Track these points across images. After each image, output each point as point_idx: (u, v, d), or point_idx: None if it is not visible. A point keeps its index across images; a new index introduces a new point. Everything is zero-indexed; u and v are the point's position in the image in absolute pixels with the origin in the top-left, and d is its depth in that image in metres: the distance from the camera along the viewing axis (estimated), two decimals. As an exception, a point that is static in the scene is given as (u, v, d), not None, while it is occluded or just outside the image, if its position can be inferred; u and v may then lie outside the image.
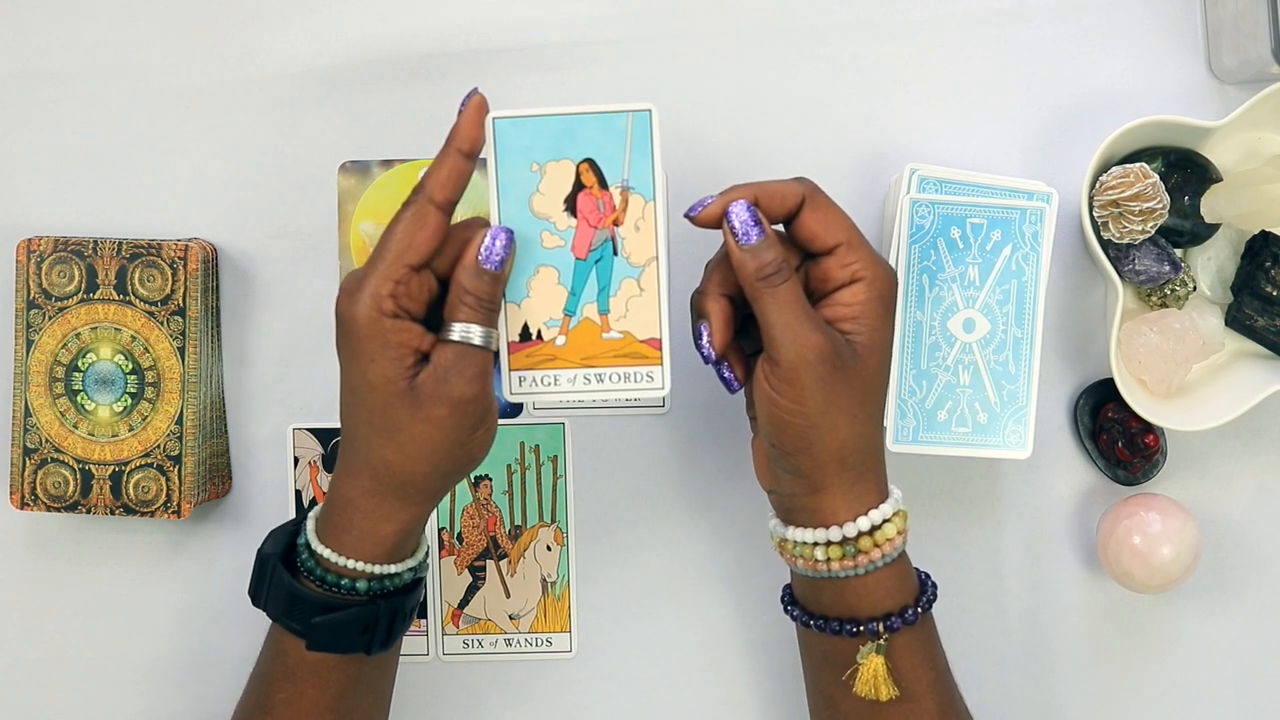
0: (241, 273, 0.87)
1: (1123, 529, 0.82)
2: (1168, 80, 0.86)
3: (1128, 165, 0.80)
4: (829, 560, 0.71)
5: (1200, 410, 0.82)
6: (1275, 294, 0.82)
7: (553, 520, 0.86)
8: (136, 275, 0.83)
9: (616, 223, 0.71)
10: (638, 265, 0.72)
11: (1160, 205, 0.80)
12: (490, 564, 0.87)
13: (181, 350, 0.83)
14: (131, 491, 0.83)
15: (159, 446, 0.83)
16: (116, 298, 0.83)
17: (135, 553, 0.87)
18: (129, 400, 0.83)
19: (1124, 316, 0.82)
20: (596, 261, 0.72)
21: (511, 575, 0.87)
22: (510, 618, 0.87)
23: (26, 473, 0.84)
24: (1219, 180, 0.82)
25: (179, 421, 0.83)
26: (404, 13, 0.87)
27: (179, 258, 0.83)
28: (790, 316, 0.69)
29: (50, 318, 0.83)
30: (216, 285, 0.86)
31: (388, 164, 0.86)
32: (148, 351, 0.83)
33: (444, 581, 0.87)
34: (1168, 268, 0.82)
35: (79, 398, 0.83)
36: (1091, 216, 0.82)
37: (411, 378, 0.68)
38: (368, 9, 0.87)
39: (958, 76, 0.86)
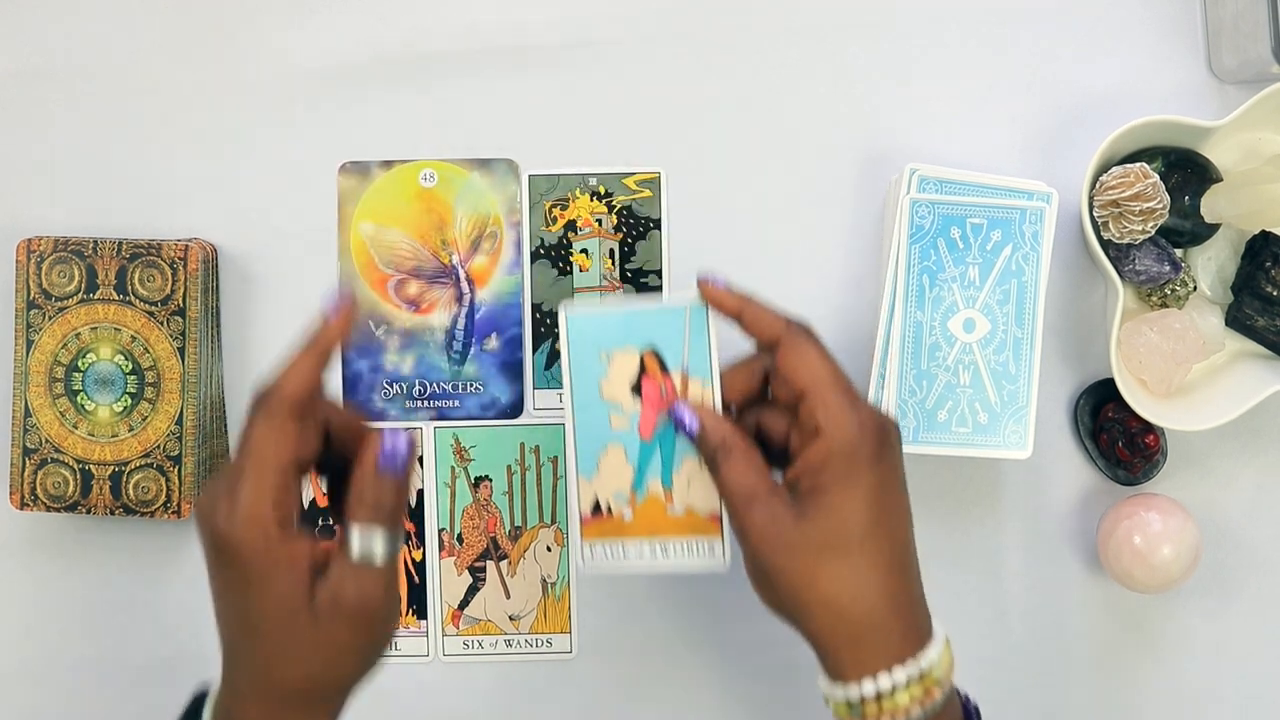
0: (241, 273, 0.87)
1: (1123, 529, 0.82)
2: (1168, 80, 0.86)
3: (1128, 165, 0.80)
4: (837, 713, 0.68)
5: (1200, 410, 0.82)
6: (1275, 294, 0.82)
7: (553, 521, 0.86)
8: (136, 275, 0.83)
9: None
10: None
11: (1160, 205, 0.80)
12: (490, 565, 0.87)
13: (181, 350, 0.83)
14: (131, 491, 0.83)
15: (159, 446, 0.83)
16: (116, 298, 0.83)
17: (135, 553, 0.87)
18: (129, 400, 0.83)
19: (1124, 316, 0.82)
20: (660, 441, 0.74)
21: (511, 576, 0.87)
22: (510, 618, 0.87)
23: (26, 473, 0.84)
24: (1219, 180, 0.82)
25: (179, 421, 0.83)
26: (404, 13, 0.87)
27: (179, 258, 0.83)
28: (741, 497, 0.68)
29: (50, 318, 0.83)
30: (216, 285, 0.86)
31: (388, 164, 0.86)
32: (148, 351, 0.83)
33: (444, 582, 0.87)
34: (1168, 268, 0.82)
35: (79, 398, 0.83)
36: (1091, 216, 0.82)
37: (310, 597, 0.63)
38: (368, 9, 0.87)
39: (958, 76, 0.86)
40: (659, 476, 0.75)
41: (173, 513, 0.83)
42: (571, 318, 0.75)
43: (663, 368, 0.75)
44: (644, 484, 0.75)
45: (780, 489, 0.69)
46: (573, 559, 0.75)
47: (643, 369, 0.75)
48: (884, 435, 0.68)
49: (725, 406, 0.74)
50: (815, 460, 0.68)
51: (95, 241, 0.83)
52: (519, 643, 0.87)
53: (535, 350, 0.86)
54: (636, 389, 0.75)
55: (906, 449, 0.80)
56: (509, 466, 0.86)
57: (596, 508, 0.75)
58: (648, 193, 0.87)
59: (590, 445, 0.75)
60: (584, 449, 0.75)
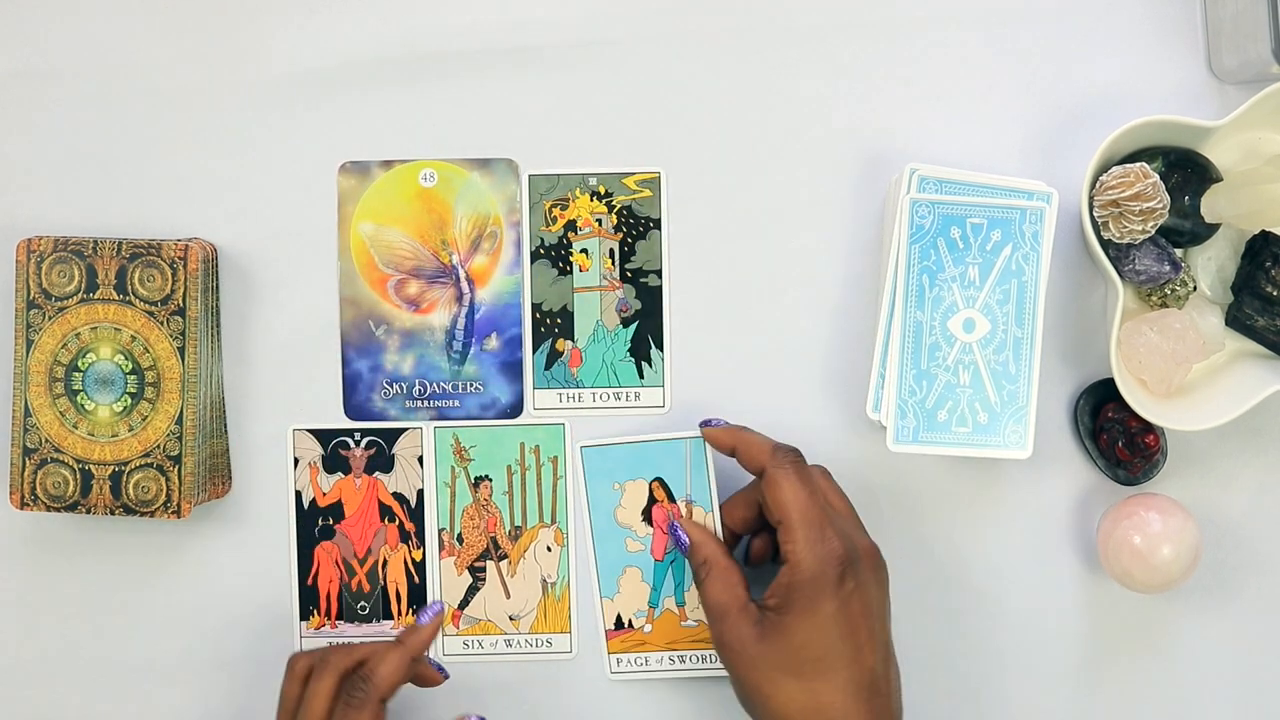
0: (241, 273, 0.87)
1: (1123, 529, 0.82)
2: (1168, 80, 0.86)
3: (1128, 165, 0.80)
4: None
5: (1200, 410, 0.82)
6: (1275, 294, 0.82)
7: (553, 521, 0.86)
8: (136, 275, 0.83)
9: None
10: None
11: (1160, 205, 0.80)
12: (490, 565, 0.87)
13: (181, 350, 0.83)
14: (131, 491, 0.83)
15: (159, 446, 0.83)
16: (116, 298, 0.83)
17: (135, 553, 0.87)
18: (129, 400, 0.83)
19: (1124, 316, 0.82)
20: (671, 562, 0.85)
21: (512, 576, 0.87)
22: (510, 618, 0.87)
23: (26, 473, 0.84)
24: (1219, 180, 0.82)
25: (179, 421, 0.83)
26: (404, 13, 0.87)
27: (179, 258, 0.83)
28: (714, 612, 0.78)
29: (50, 318, 0.83)
30: (216, 285, 0.86)
31: (388, 164, 0.86)
32: (148, 351, 0.83)
33: (444, 582, 0.87)
34: (1168, 267, 0.82)
35: (79, 398, 0.83)
36: (1091, 216, 0.82)
37: None
38: (368, 9, 0.87)
39: (958, 76, 0.86)
40: (673, 595, 0.85)
41: (173, 512, 0.83)
42: (587, 450, 0.85)
43: (669, 496, 0.84)
44: (660, 601, 0.85)
45: (751, 608, 0.77)
46: (601, 668, 0.86)
47: (652, 497, 0.84)
48: (849, 566, 0.75)
49: (732, 532, 0.82)
50: (781, 586, 0.76)
51: (95, 241, 0.83)
52: (519, 643, 0.87)
53: (535, 350, 0.86)
54: (647, 515, 0.85)
55: (906, 449, 0.80)
56: (509, 466, 0.86)
57: (619, 623, 0.85)
58: (648, 192, 0.87)
59: (610, 568, 0.85)
60: (604, 572, 0.85)
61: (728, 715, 0.86)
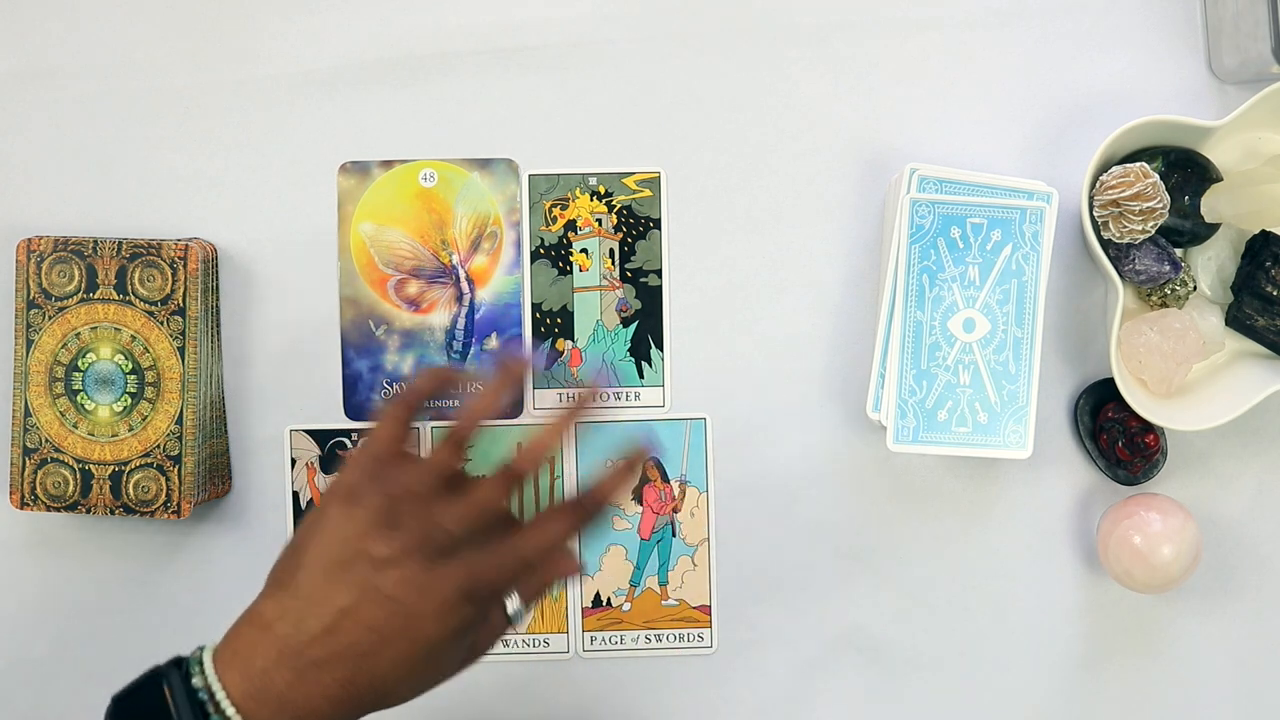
0: (241, 273, 0.87)
1: (1123, 529, 0.81)
2: (1168, 80, 0.86)
3: (1128, 165, 0.80)
4: None
5: (1200, 410, 0.82)
6: (1275, 294, 0.82)
7: (552, 520, 0.86)
8: (136, 275, 0.83)
9: (675, 510, 0.85)
10: (692, 545, 0.86)
11: (1160, 205, 0.80)
12: (490, 564, 0.87)
13: (181, 350, 0.83)
14: (131, 491, 0.83)
15: (159, 446, 0.83)
16: (116, 298, 0.83)
17: (135, 553, 0.87)
18: (129, 400, 0.83)
19: (1124, 316, 0.82)
20: (658, 542, 0.86)
21: (511, 575, 0.87)
22: (509, 618, 0.87)
23: (26, 472, 0.84)
24: (1219, 180, 0.82)
25: (179, 421, 0.83)
26: (404, 13, 0.87)
27: (179, 258, 0.83)
28: None
29: (50, 318, 0.83)
30: (216, 285, 0.86)
31: (388, 164, 0.87)
32: (148, 351, 0.83)
33: (443, 581, 0.87)
34: (1168, 267, 0.81)
35: (79, 397, 0.83)
36: (1092, 216, 0.82)
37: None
38: (368, 9, 0.87)
39: (958, 76, 0.86)
40: (656, 574, 0.85)
41: (173, 512, 0.83)
42: (579, 426, 0.84)
43: (663, 476, 0.85)
44: (642, 580, 0.86)
45: None
46: (573, 646, 0.86)
47: (645, 477, 0.85)
48: None
49: None
50: None
51: (95, 241, 0.83)
52: (516, 643, 0.87)
53: (535, 350, 0.86)
54: (638, 494, 0.85)
55: (906, 449, 0.80)
56: (505, 467, 0.86)
57: (597, 601, 0.85)
58: (648, 192, 0.87)
59: (594, 546, 0.85)
60: (588, 549, 0.85)
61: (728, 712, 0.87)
